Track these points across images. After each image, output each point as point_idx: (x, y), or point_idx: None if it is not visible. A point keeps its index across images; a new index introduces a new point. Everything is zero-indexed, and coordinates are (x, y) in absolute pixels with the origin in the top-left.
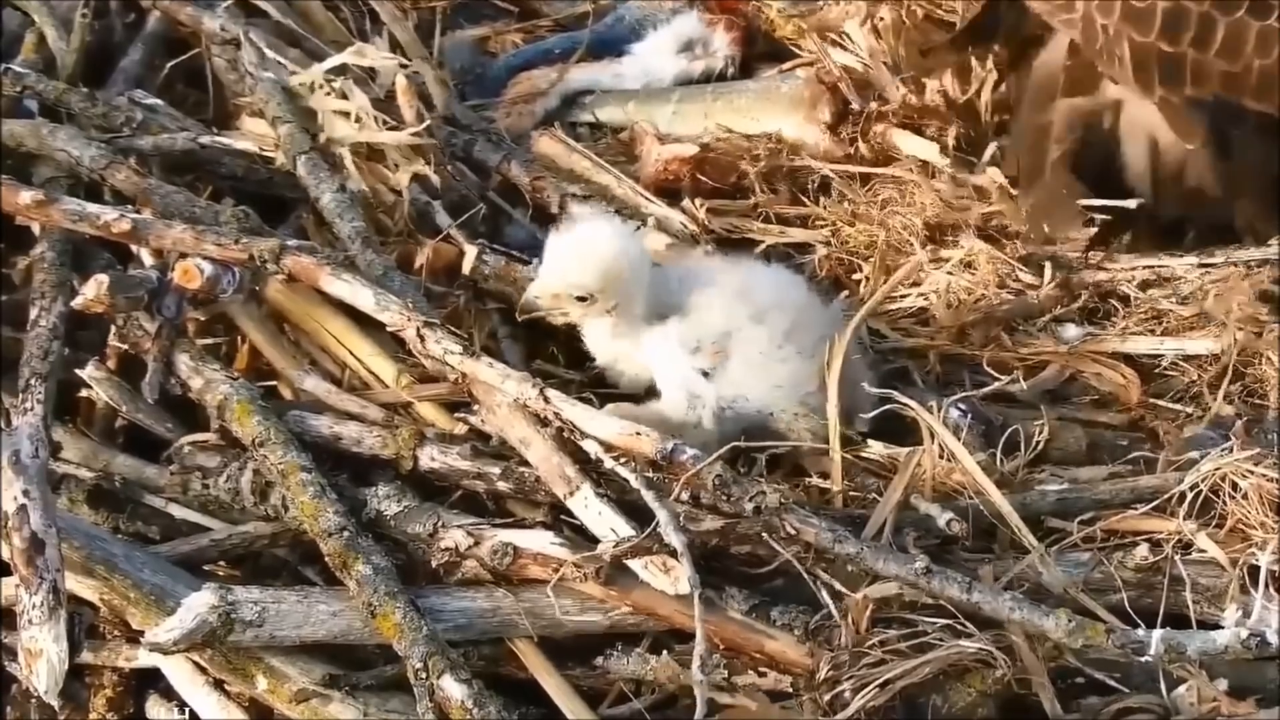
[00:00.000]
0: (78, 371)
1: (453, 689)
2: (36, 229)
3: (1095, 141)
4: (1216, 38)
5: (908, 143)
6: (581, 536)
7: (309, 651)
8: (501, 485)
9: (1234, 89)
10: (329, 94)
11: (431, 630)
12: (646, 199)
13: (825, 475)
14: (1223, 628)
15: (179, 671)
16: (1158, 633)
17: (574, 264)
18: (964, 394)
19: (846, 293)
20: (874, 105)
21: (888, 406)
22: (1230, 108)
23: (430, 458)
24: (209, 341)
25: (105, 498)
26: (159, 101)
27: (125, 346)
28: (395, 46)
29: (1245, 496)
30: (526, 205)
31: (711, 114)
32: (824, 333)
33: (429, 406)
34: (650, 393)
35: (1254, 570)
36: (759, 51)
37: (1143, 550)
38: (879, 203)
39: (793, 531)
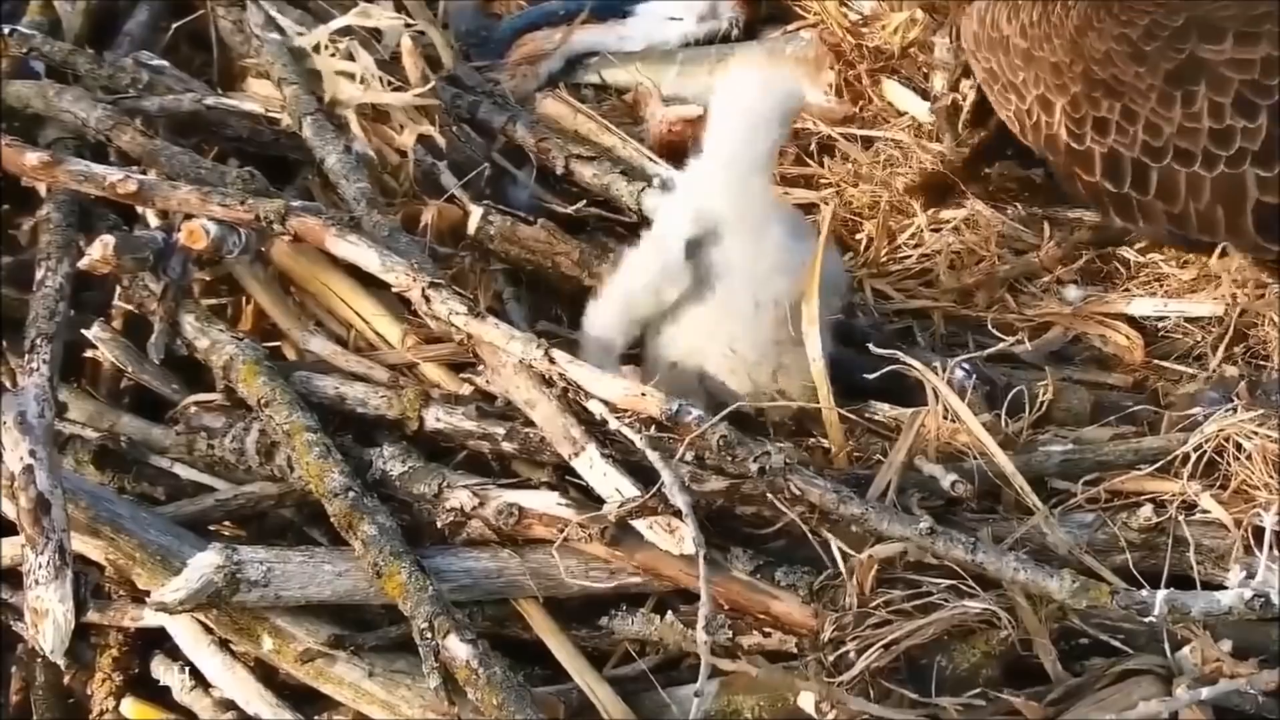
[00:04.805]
0: (84, 332)
1: (458, 649)
2: (43, 190)
3: None
4: (1152, 183)
5: (902, 98)
6: (586, 497)
7: (314, 612)
8: (506, 446)
9: (1180, 225)
10: (334, 55)
11: (437, 590)
12: (651, 160)
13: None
14: (1226, 588)
15: (185, 631)
16: (1161, 593)
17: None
18: (968, 355)
19: (850, 253)
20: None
21: (892, 367)
22: (1183, 236)
23: (435, 418)
24: (214, 302)
25: (111, 458)
26: (165, 63)
27: (131, 307)
28: (400, 8)
29: (1249, 457)
30: (531, 166)
31: (716, 75)
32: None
33: (434, 367)
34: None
35: (1258, 531)
36: (764, 13)
37: (1147, 511)
38: (881, 163)
39: (797, 492)
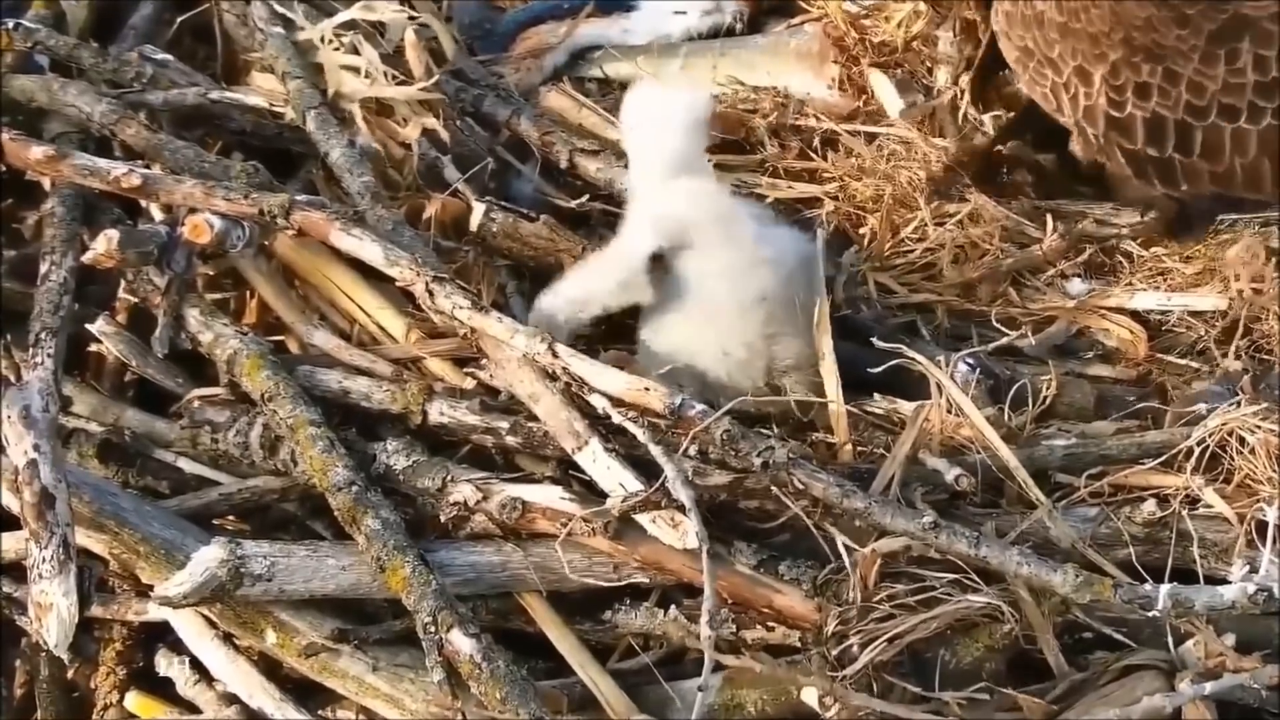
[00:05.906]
0: (88, 326)
1: (461, 643)
2: (47, 184)
3: None
4: (1196, 143)
5: (884, 92)
6: (590, 491)
7: (318, 605)
8: (510, 440)
9: (1225, 184)
10: (338, 49)
11: (440, 584)
12: None
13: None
14: (1230, 583)
15: (188, 625)
16: (1165, 588)
17: (630, 99)
18: (972, 349)
19: (854, 246)
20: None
21: (896, 361)
22: (1228, 197)
23: (439, 412)
24: (218, 296)
25: (115, 452)
26: (169, 57)
27: (135, 300)
28: (404, 1)
29: (1252, 451)
30: (535, 160)
31: (720, 68)
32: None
33: (438, 361)
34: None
35: (1261, 525)
36: (767, 7)
37: (1150, 505)
38: (885, 157)
39: (801, 486)
